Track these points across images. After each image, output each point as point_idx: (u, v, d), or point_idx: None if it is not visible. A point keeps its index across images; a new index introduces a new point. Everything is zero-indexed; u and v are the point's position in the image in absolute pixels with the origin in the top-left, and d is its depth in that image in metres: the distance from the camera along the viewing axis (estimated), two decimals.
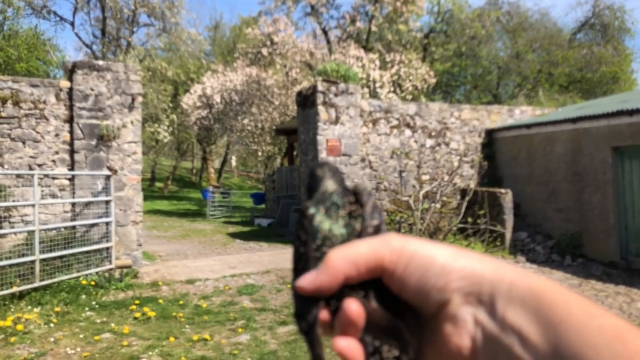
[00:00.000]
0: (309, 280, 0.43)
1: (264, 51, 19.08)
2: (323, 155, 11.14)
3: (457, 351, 0.40)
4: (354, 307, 0.41)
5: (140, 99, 8.95)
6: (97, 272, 7.83)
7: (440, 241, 10.50)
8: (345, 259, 0.42)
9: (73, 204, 8.29)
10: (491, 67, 25.69)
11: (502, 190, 11.30)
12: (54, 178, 8.22)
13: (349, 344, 0.42)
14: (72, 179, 8.30)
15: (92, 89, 8.47)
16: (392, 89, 17.76)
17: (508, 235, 11.05)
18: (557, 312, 0.37)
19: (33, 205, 7.11)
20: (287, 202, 15.89)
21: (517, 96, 24.93)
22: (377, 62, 17.62)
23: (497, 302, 0.39)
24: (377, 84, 17.19)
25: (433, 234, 10.83)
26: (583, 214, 10.46)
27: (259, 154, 22.13)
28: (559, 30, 27.00)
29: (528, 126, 12.09)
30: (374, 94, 16.87)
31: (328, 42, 20.73)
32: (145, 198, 11.43)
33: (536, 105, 18.31)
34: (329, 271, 0.42)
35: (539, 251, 10.73)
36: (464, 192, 11.88)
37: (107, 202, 8.28)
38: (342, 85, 11.43)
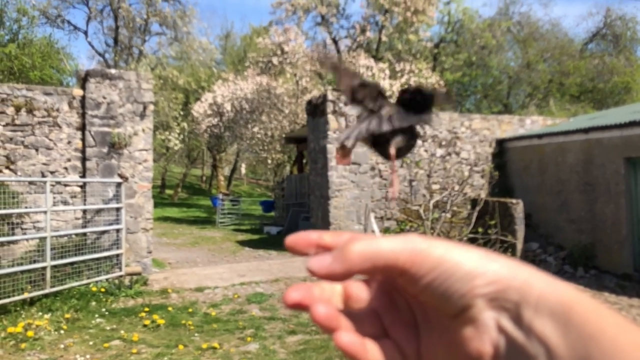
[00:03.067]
0: (321, 265, 0.41)
1: (275, 60, 19.19)
2: (333, 163, 11.14)
3: (477, 356, 0.39)
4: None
5: (151, 107, 9.02)
6: (107, 279, 7.86)
7: None
8: (365, 255, 0.40)
9: (84, 211, 8.35)
10: (502, 76, 25.62)
11: (513, 201, 11.21)
12: (65, 185, 8.29)
13: (353, 340, 0.40)
14: (83, 186, 8.37)
15: (104, 97, 8.55)
16: None
17: (519, 245, 10.95)
18: (589, 327, 0.35)
19: (45, 212, 7.17)
20: (296, 210, 15.89)
21: (527, 106, 24.82)
22: (387, 72, 17.65)
23: (523, 311, 0.37)
24: (387, 93, 17.17)
25: None
26: (595, 225, 10.35)
27: (269, 161, 22.18)
28: (570, 41, 26.89)
29: (539, 136, 12.02)
30: None
31: (338, 51, 20.79)
32: (156, 205, 11.49)
33: (547, 115, 18.22)
34: (344, 264, 0.40)
35: (550, 262, 10.62)
36: (474, 202, 11.81)
37: (118, 210, 8.32)
38: None
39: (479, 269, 0.39)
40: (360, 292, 0.43)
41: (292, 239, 0.44)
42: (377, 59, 19.39)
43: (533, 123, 13.70)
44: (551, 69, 25.40)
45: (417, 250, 0.40)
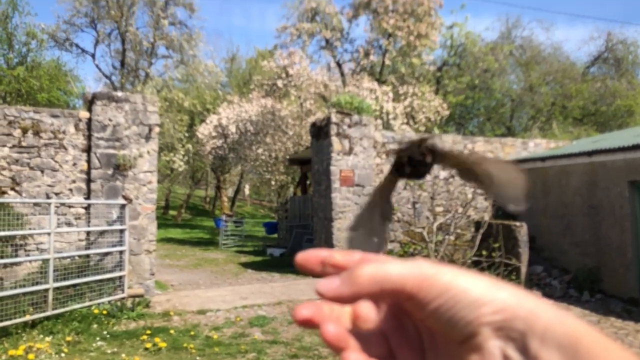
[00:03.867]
0: (330, 287, 0.41)
1: (279, 83, 19.38)
2: (336, 185, 11.16)
3: None
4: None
5: (157, 129, 9.11)
6: (109, 301, 7.83)
7: None
8: (373, 279, 0.40)
9: (88, 233, 8.37)
10: (504, 99, 25.76)
11: (517, 224, 11.17)
12: (70, 206, 8.33)
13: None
14: (87, 208, 8.40)
15: (110, 120, 8.64)
16: (405, 120, 17.85)
17: (523, 269, 10.87)
18: None
19: (49, 234, 7.19)
20: (299, 231, 15.85)
21: (531, 129, 24.88)
22: (391, 94, 17.78)
23: (530, 341, 0.37)
24: (391, 116, 17.31)
25: None
26: (600, 248, 10.27)
27: (272, 183, 22.23)
28: (572, 64, 27.07)
29: (543, 159, 12.03)
30: (387, 126, 16.97)
31: (342, 74, 21.01)
32: (159, 226, 11.51)
33: (550, 138, 18.25)
34: (352, 287, 0.40)
35: (555, 286, 10.52)
36: (478, 224, 11.77)
37: (122, 231, 8.34)
38: (355, 117, 11.52)
39: (487, 296, 0.39)
40: (369, 313, 0.43)
41: (302, 257, 0.44)
42: (381, 82, 19.56)
43: (536, 146, 13.73)
44: (554, 92, 25.53)
45: (425, 275, 0.40)
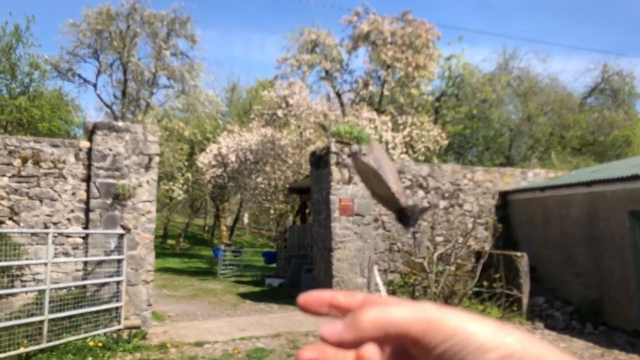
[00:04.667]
0: (333, 332, 0.40)
1: (279, 112, 19.54)
2: (336, 214, 11.13)
3: None
4: None
5: (157, 159, 9.13)
6: (105, 333, 7.71)
7: (456, 305, 10.23)
8: (376, 324, 0.40)
9: (85, 263, 8.29)
10: (503, 129, 25.94)
11: (518, 254, 11.10)
12: (68, 236, 8.28)
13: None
14: (85, 238, 8.35)
15: (110, 149, 8.67)
16: (404, 150, 17.94)
17: (525, 300, 10.76)
18: None
19: (45, 264, 7.12)
20: (298, 261, 15.72)
21: (529, 158, 24.99)
22: (390, 124, 17.91)
23: None
24: (390, 145, 17.39)
25: (448, 297, 10.57)
26: (602, 279, 10.18)
27: (272, 212, 22.16)
28: (569, 95, 27.34)
29: (542, 189, 12.03)
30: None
31: (341, 104, 21.20)
32: (157, 255, 11.42)
33: (549, 168, 18.32)
34: (356, 332, 0.40)
35: (557, 317, 10.38)
36: (478, 254, 11.69)
37: (119, 261, 8.27)
38: (355, 146, 11.57)
39: (493, 342, 0.39)
40: (373, 355, 0.43)
41: (304, 299, 0.44)
42: (380, 112, 19.73)
43: (535, 175, 13.75)
44: (551, 122, 25.73)
45: (430, 320, 0.40)
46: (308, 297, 0.44)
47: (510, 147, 26.31)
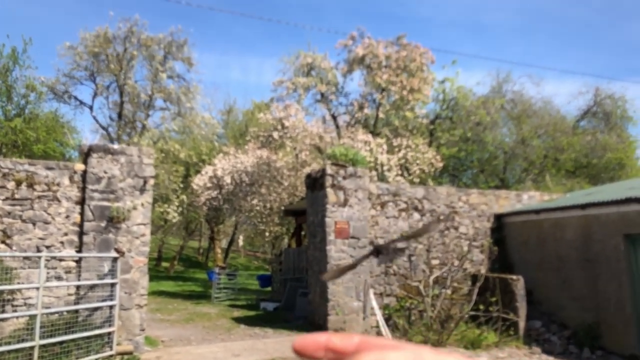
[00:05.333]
0: None
1: (275, 134, 19.61)
2: (331, 237, 11.08)
3: None
4: None
5: (152, 181, 9.11)
6: (96, 359, 7.57)
7: (452, 330, 10.13)
8: None
9: (78, 287, 8.19)
10: (497, 152, 26.10)
11: (514, 277, 11.05)
12: (60, 260, 8.20)
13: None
14: (79, 261, 8.27)
15: (105, 172, 8.65)
16: (399, 172, 17.98)
17: (521, 324, 10.67)
18: None
19: (37, 288, 7.03)
20: (294, 284, 15.58)
21: (524, 180, 25.09)
22: (385, 147, 17.99)
23: None
24: (385, 167, 17.44)
25: (444, 321, 10.48)
26: (599, 303, 10.14)
27: (267, 234, 22.07)
28: (562, 118, 27.60)
29: (537, 212, 12.05)
30: (381, 177, 17.07)
31: (337, 127, 21.31)
32: (151, 278, 11.30)
33: (543, 190, 18.37)
34: None
35: (554, 342, 10.30)
36: (474, 277, 11.64)
37: (113, 285, 8.18)
38: (350, 169, 11.60)
39: None
40: None
41: (300, 343, 0.43)
42: (375, 134, 19.84)
43: (530, 198, 13.79)
44: (545, 144, 25.92)
45: None
46: (304, 341, 0.44)
47: (504, 170, 26.43)
